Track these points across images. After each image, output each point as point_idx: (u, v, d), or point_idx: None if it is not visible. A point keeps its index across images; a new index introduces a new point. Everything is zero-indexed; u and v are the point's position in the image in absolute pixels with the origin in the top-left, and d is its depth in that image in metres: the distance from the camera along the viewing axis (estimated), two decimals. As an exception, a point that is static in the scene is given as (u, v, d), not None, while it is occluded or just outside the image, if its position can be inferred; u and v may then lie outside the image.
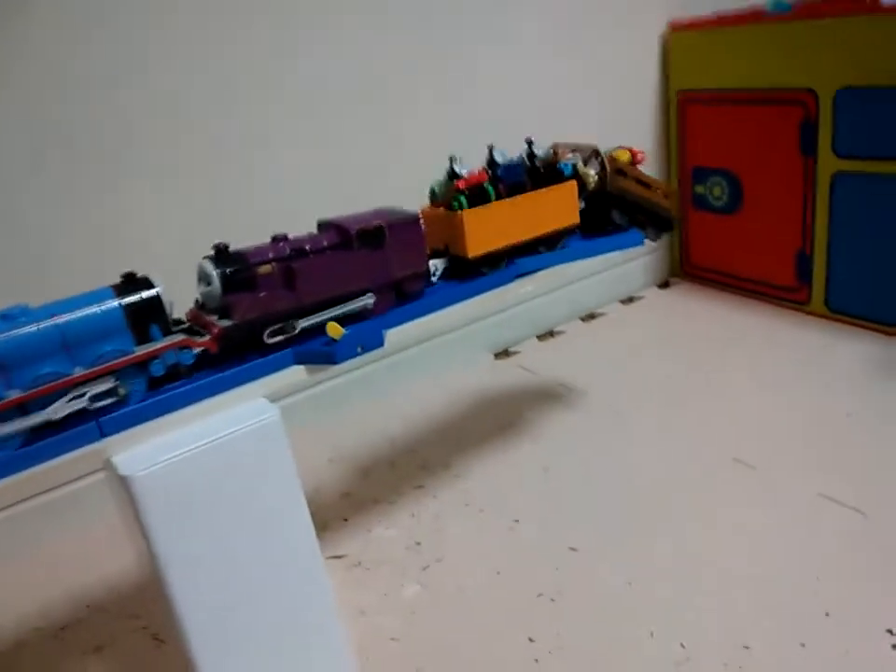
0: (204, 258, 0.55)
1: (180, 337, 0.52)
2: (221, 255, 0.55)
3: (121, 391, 0.50)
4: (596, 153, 0.77)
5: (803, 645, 0.59)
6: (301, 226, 0.61)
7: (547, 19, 1.12)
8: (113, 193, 0.83)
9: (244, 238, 0.58)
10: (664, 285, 1.39)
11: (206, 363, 0.55)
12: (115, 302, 0.50)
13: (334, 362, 0.57)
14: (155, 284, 0.52)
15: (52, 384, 0.48)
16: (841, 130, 1.03)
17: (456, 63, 1.05)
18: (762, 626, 0.61)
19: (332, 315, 0.58)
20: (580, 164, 0.76)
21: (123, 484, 0.48)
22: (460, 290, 0.67)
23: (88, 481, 0.86)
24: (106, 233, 0.83)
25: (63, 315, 0.49)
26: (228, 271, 0.54)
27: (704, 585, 0.66)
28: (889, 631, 0.59)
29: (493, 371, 1.13)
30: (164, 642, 0.68)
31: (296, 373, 0.58)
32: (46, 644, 0.71)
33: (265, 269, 0.55)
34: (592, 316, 1.28)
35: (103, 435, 0.50)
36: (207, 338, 0.53)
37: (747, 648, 0.59)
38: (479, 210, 0.67)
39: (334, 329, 0.56)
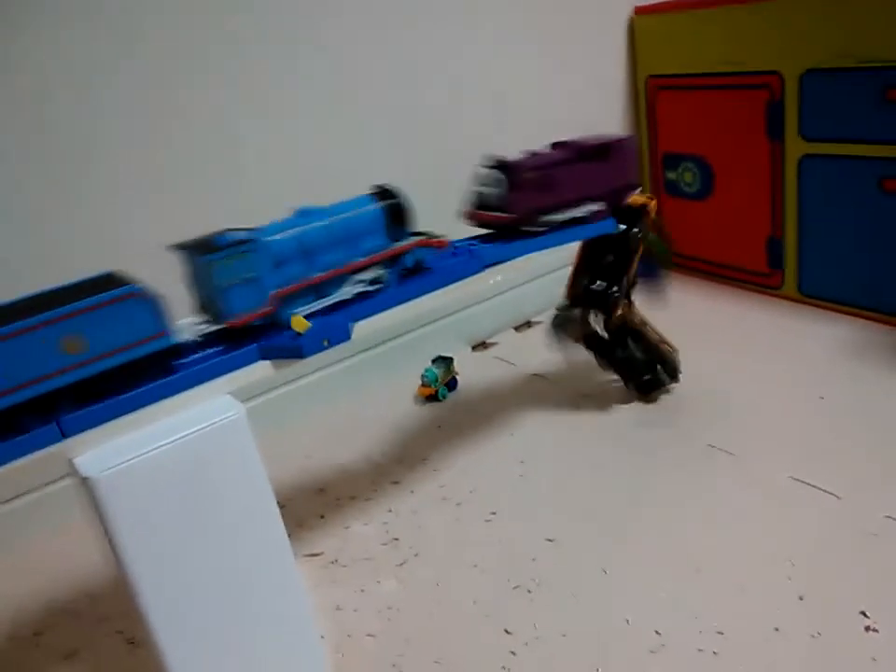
0: (484, 166, 0.72)
1: (419, 238, 0.64)
2: (500, 164, 0.72)
3: (384, 279, 0.61)
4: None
5: (776, 629, 0.59)
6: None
7: (512, 7, 1.11)
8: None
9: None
10: (639, 273, 1.39)
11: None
12: (379, 206, 0.61)
13: (301, 356, 0.57)
14: (399, 195, 0.63)
15: (343, 268, 0.59)
16: (807, 112, 1.02)
17: (413, 52, 1.04)
18: (735, 611, 0.61)
19: (575, 214, 0.75)
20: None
21: (86, 486, 0.47)
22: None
23: (60, 485, 0.85)
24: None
25: (344, 213, 0.59)
26: (508, 176, 0.70)
27: (678, 572, 0.66)
28: (863, 613, 0.59)
29: (470, 362, 1.12)
30: (138, 645, 0.67)
31: (265, 369, 0.58)
32: (19, 651, 0.70)
33: (530, 175, 0.70)
34: (568, 306, 1.27)
35: (64, 436, 0.49)
36: (442, 237, 0.66)
37: (721, 633, 0.60)
38: None
39: (299, 323, 0.55)
